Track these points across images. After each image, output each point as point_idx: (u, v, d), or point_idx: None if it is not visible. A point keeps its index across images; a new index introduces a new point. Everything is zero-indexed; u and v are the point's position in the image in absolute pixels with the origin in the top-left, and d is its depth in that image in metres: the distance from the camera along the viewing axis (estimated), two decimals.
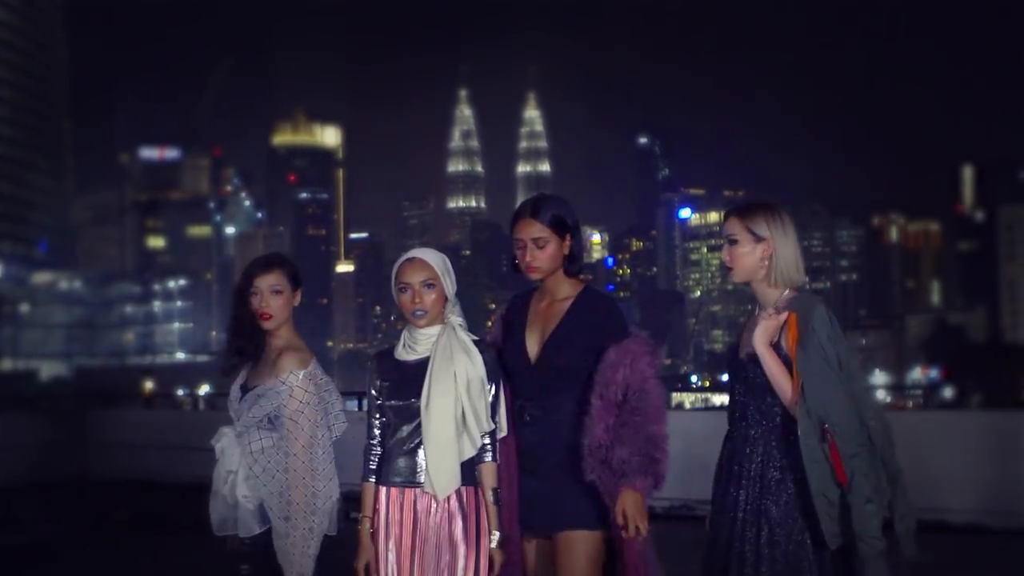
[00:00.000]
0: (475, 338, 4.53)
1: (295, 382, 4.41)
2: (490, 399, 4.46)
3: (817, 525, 4.20)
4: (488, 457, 4.45)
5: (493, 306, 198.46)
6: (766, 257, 4.44)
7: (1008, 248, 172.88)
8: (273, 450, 4.42)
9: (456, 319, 4.55)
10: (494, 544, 4.41)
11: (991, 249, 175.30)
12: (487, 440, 4.45)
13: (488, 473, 4.44)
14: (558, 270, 4.70)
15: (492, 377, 4.48)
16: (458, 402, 4.39)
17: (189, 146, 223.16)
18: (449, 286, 4.53)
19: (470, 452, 4.41)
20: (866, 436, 4.23)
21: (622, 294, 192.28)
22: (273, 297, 4.54)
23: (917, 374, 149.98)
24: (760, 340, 4.35)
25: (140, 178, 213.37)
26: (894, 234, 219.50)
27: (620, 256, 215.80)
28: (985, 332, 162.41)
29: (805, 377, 4.22)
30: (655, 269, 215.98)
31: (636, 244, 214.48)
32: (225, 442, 4.52)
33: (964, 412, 23.17)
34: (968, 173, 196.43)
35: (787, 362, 4.30)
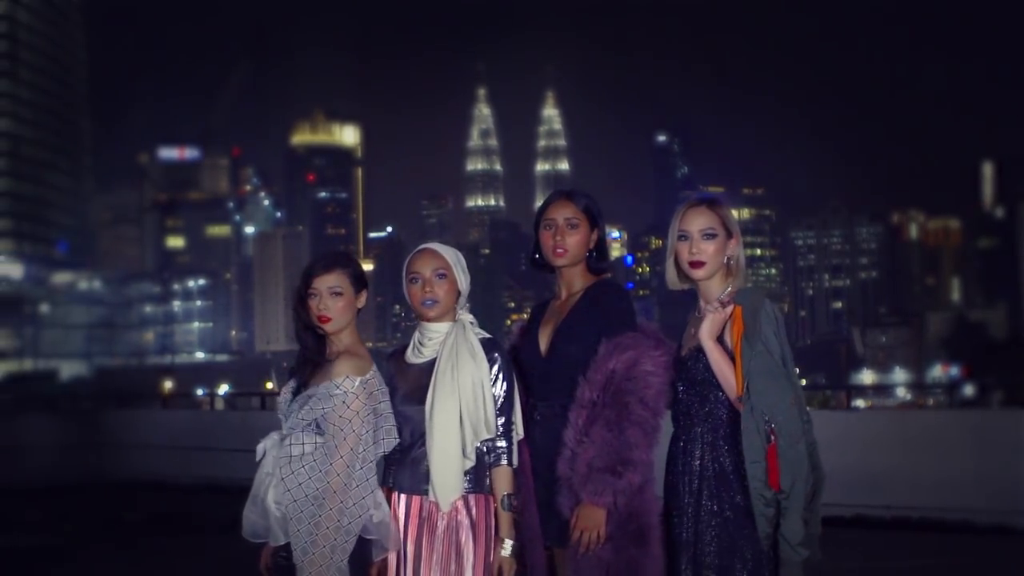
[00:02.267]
0: (486, 336, 4.36)
1: (350, 387, 4.19)
2: (500, 402, 4.29)
3: (755, 526, 4.14)
4: (503, 461, 4.26)
5: (512, 305, 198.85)
6: (728, 252, 4.37)
7: None
8: (312, 456, 4.20)
9: (467, 316, 4.40)
10: (506, 553, 4.20)
11: (1011, 246, 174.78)
12: (501, 443, 4.27)
13: (500, 478, 4.26)
14: (581, 262, 4.63)
15: (505, 377, 4.30)
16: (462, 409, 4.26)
17: (208, 146, 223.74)
18: (462, 281, 4.38)
19: (469, 463, 4.25)
20: (809, 440, 4.16)
21: (641, 292, 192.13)
22: (332, 299, 4.29)
23: (937, 372, 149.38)
24: (707, 333, 4.26)
25: (159, 178, 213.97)
26: (914, 231, 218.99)
27: (639, 254, 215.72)
28: (1006, 329, 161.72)
29: (750, 373, 4.14)
30: None
31: (655, 242, 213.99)
32: (268, 444, 4.32)
33: (986, 410, 23.00)
34: (988, 170, 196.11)
35: (731, 356, 4.23)
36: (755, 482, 4.11)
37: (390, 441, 4.29)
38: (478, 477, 4.27)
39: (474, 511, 4.25)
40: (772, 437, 4.08)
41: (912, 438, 11.88)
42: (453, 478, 4.21)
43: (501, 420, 4.28)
